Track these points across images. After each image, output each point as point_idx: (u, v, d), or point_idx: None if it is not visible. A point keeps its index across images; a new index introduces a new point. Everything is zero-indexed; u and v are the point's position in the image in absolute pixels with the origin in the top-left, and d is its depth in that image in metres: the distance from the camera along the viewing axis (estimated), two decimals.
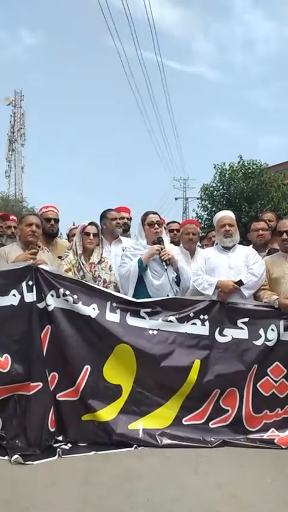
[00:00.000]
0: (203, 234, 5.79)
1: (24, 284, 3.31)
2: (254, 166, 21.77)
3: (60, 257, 3.97)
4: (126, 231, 4.75)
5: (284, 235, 3.74)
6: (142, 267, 3.72)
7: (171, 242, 4.34)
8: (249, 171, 21.49)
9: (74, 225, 4.94)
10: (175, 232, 4.83)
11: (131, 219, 4.95)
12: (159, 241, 3.82)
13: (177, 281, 3.78)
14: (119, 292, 3.73)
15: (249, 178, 21.10)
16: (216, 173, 22.00)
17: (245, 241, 4.37)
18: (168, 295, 3.66)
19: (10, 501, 2.58)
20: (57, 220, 4.34)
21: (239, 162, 21.97)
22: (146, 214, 3.94)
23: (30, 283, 3.33)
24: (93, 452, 3.22)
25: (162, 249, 3.74)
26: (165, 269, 3.70)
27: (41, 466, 3.03)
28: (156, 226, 3.85)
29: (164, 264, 3.71)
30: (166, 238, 4.05)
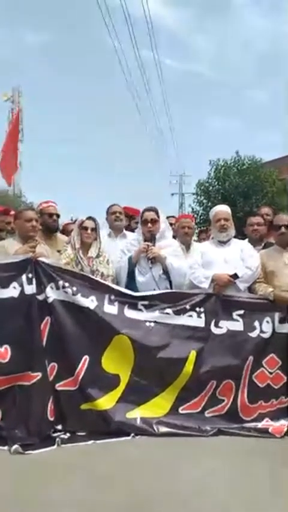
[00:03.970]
0: (201, 228, 5.86)
1: (24, 277, 3.35)
2: (250, 162, 21.83)
3: (59, 251, 4.01)
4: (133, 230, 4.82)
5: (282, 229, 3.80)
6: (132, 264, 3.83)
7: None
8: (245, 166, 21.55)
9: (72, 220, 4.99)
10: (172, 227, 4.89)
11: (134, 217, 5.00)
12: (152, 238, 3.87)
13: (169, 277, 3.84)
14: (117, 285, 3.78)
15: (245, 174, 21.16)
16: (211, 169, 22.07)
17: (240, 235, 4.44)
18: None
19: (9, 491, 2.62)
20: (58, 215, 4.39)
21: (235, 158, 22.02)
22: (143, 211, 4.01)
23: (30, 275, 3.38)
24: (92, 441, 3.28)
25: (149, 247, 3.81)
26: (150, 267, 3.77)
27: (40, 455, 3.07)
28: (149, 224, 3.89)
29: (149, 261, 3.78)
30: (169, 232, 4.10)
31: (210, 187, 22.18)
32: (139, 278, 3.81)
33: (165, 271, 3.83)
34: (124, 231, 4.57)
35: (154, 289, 3.72)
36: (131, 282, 3.82)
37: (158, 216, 3.96)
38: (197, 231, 6.03)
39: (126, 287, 3.75)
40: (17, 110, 19.99)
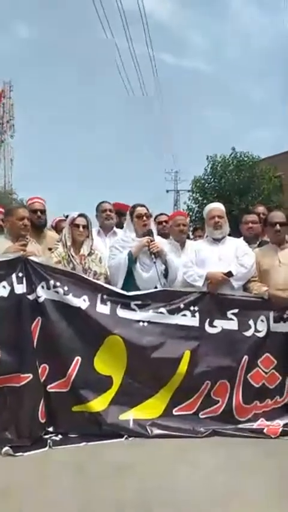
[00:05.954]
0: (196, 225, 5.84)
1: (14, 276, 3.29)
2: (246, 159, 21.84)
3: (50, 249, 3.95)
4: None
5: (277, 227, 3.75)
6: (132, 260, 3.74)
7: (160, 234, 4.36)
8: (241, 163, 21.55)
9: (64, 216, 4.91)
10: (163, 224, 4.83)
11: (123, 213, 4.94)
12: (149, 233, 3.83)
13: (165, 273, 3.80)
14: (109, 284, 3.72)
15: (241, 170, 21.17)
16: (208, 165, 22.06)
17: (236, 233, 4.40)
18: (156, 287, 3.68)
19: (0, 493, 2.57)
20: (43, 211, 4.31)
21: (231, 154, 22.02)
22: (134, 206, 3.95)
23: (20, 274, 3.31)
24: (84, 443, 3.23)
25: (151, 241, 3.75)
26: (154, 262, 3.71)
27: (32, 457, 3.03)
28: (144, 218, 3.86)
29: (153, 256, 3.72)
30: (154, 230, 4.06)
31: (206, 185, 22.18)
32: (143, 273, 3.73)
33: (165, 268, 3.79)
34: (114, 228, 4.47)
35: (157, 285, 3.68)
36: (128, 279, 3.75)
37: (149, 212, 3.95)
38: (191, 228, 6.01)
39: (124, 284, 3.69)
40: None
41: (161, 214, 5.10)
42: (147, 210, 3.94)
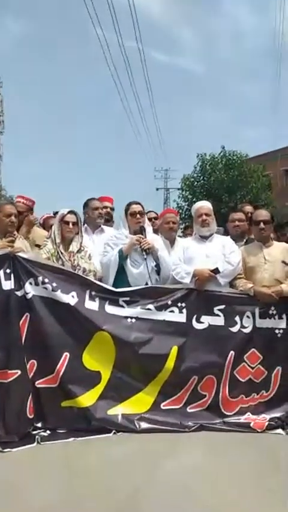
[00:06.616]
0: (187, 223, 5.85)
1: (1, 272, 3.29)
2: (235, 157, 21.97)
3: (38, 245, 3.94)
4: (108, 220, 4.76)
5: (261, 225, 3.81)
6: (123, 257, 3.77)
7: None
8: (230, 162, 21.68)
9: (53, 213, 4.90)
10: (152, 220, 4.85)
11: (113, 208, 4.95)
12: (141, 231, 3.86)
13: (158, 270, 3.83)
14: (99, 281, 3.74)
15: (230, 169, 21.29)
16: (198, 163, 22.16)
17: (225, 232, 4.45)
18: (147, 284, 3.71)
19: None
20: (21, 213, 4.18)
21: (220, 153, 22.13)
22: (129, 204, 3.98)
23: (8, 271, 3.31)
24: (73, 439, 3.24)
25: (142, 239, 3.79)
26: (145, 258, 3.74)
27: (20, 453, 3.03)
28: (138, 216, 3.89)
29: (143, 253, 3.75)
30: (149, 228, 4.09)
31: (195, 183, 22.27)
32: (133, 270, 3.76)
33: (156, 264, 3.82)
34: (102, 226, 4.45)
35: (148, 281, 3.71)
36: (120, 276, 3.77)
37: (143, 209, 3.98)
38: (182, 226, 6.04)
39: (115, 280, 3.72)
40: None
41: (150, 211, 5.12)
42: (142, 207, 3.98)
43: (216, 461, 2.96)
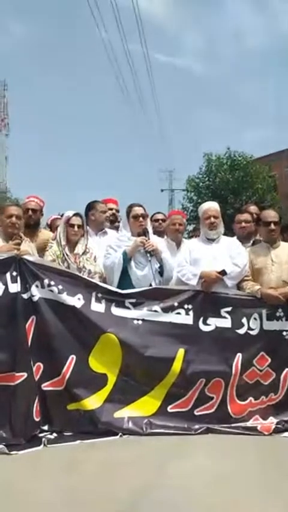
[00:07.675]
0: (195, 225, 5.84)
1: (8, 275, 3.29)
2: (241, 158, 21.92)
3: (44, 248, 3.94)
4: (113, 222, 4.77)
5: (272, 226, 3.77)
6: (127, 259, 3.76)
7: (155, 232, 4.37)
8: (235, 163, 21.63)
9: (59, 215, 4.91)
10: (160, 221, 4.85)
11: (118, 210, 4.95)
12: (144, 233, 3.85)
13: (161, 271, 3.83)
14: (104, 282, 3.74)
15: (235, 170, 21.25)
16: (203, 163, 22.13)
17: (230, 232, 4.42)
18: (151, 285, 3.70)
19: None
20: (35, 211, 4.27)
21: (226, 154, 22.09)
22: (131, 206, 3.97)
23: (15, 273, 3.31)
24: (79, 441, 3.23)
25: (146, 241, 3.78)
26: (149, 260, 3.74)
27: (26, 455, 3.03)
28: (141, 219, 3.88)
29: (148, 255, 3.74)
30: (150, 230, 4.08)
31: (201, 184, 22.24)
32: (138, 272, 3.76)
33: (160, 266, 3.82)
34: (105, 228, 4.45)
35: (152, 283, 3.70)
36: (123, 278, 3.77)
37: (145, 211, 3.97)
38: (189, 228, 6.03)
39: (121, 283, 3.71)
40: None
41: (158, 212, 5.12)
42: (144, 210, 3.97)
43: (223, 465, 2.93)
